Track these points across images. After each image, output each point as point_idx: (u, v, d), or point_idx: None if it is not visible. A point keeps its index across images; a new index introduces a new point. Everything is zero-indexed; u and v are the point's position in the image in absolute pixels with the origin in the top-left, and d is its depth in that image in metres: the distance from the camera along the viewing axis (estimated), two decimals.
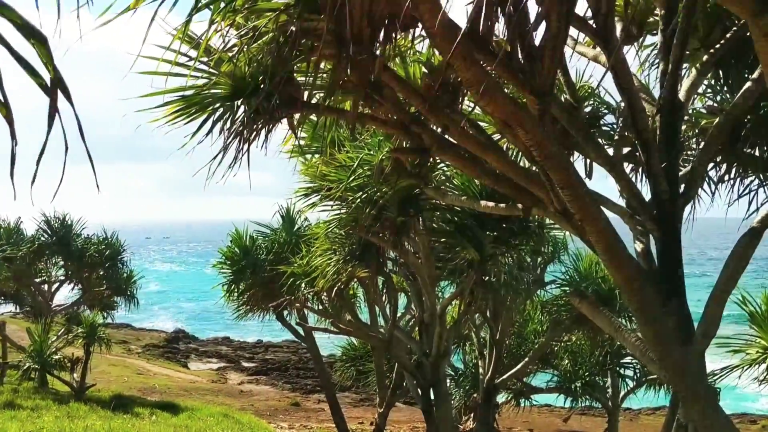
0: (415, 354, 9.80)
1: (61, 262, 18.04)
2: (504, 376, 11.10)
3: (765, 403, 20.83)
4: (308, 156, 7.87)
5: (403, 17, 3.09)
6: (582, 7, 4.62)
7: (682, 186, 4.69)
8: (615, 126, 6.41)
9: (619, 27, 5.69)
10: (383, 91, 4.16)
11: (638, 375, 12.03)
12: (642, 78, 6.16)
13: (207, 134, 4.14)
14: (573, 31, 5.45)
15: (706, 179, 6.35)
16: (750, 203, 6.06)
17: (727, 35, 5.01)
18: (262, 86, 4.05)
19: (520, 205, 4.92)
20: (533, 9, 3.34)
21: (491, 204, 5.36)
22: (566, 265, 10.53)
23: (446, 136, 4.43)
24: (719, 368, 7.71)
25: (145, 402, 15.51)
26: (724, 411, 3.77)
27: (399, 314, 11.18)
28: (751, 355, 6.81)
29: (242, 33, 3.83)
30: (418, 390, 9.69)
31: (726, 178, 6.16)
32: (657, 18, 5.10)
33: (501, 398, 14.16)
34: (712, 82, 5.91)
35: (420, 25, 3.25)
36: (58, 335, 15.32)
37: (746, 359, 6.88)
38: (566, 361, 12.20)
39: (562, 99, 5.38)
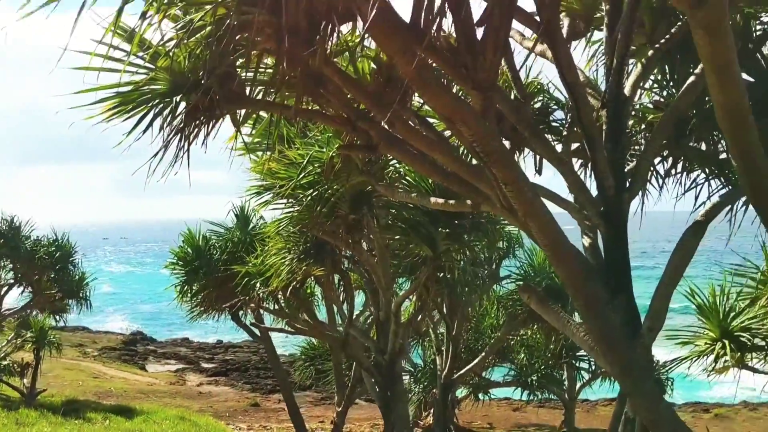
0: (373, 352, 9.75)
1: (10, 265, 17.52)
2: (461, 371, 11.13)
3: (718, 392, 21.33)
4: (259, 153, 7.75)
5: (340, 9, 3.01)
6: (528, 2, 4.62)
7: (629, 181, 4.72)
8: (564, 122, 6.43)
9: (566, 22, 5.72)
10: (328, 87, 4.08)
11: (593, 367, 12.18)
12: (590, 73, 6.20)
13: (144, 131, 4.00)
14: (521, 27, 5.46)
15: (654, 173, 6.42)
16: (696, 197, 6.13)
17: (672, 30, 5.05)
18: (202, 81, 3.93)
19: (469, 202, 4.89)
20: (475, 1, 3.31)
21: (441, 201, 5.32)
22: (521, 260, 10.59)
23: (395, 133, 4.38)
24: (670, 359, 7.83)
25: (100, 406, 15.15)
26: (670, 404, 3.80)
27: (357, 312, 11.12)
28: (699, 346, 6.90)
29: (179, 26, 3.71)
30: (376, 388, 9.64)
31: (673, 172, 6.23)
32: (603, 14, 5.13)
33: (460, 393, 14.24)
34: (659, 77, 5.96)
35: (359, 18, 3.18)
36: (9, 340, 14.88)
37: (695, 351, 6.97)
38: (522, 355, 12.31)
39: (512, 96, 5.37)
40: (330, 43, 3.66)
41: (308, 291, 11.22)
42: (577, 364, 12.32)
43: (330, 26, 3.17)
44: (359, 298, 11.47)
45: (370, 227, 7.72)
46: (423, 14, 3.08)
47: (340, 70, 3.85)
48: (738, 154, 2.92)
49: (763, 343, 6.97)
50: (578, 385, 13.09)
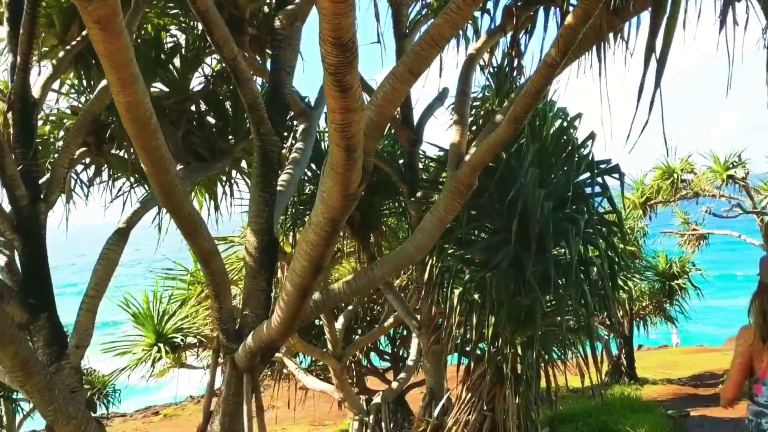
0: None
1: None
2: None
3: (168, 392, 22.17)
4: None
5: None
6: None
7: (46, 190, 4.36)
8: None
9: None
10: None
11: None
12: None
13: None
14: None
15: (79, 182, 6.18)
16: (124, 204, 6.09)
17: (84, 32, 4.87)
18: None
19: None
20: None
21: None
22: None
23: None
24: (110, 372, 7.74)
25: None
26: (101, 423, 3.62)
27: None
28: (137, 354, 6.97)
29: None
30: None
31: (98, 180, 6.09)
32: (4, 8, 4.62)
33: None
34: (76, 81, 5.73)
35: None
36: None
37: (134, 359, 7.02)
38: None
39: None
40: None
41: None
42: (14, 396, 11.13)
43: None
44: None
45: None
46: None
47: None
48: (145, 157, 2.89)
49: (195, 340, 7.47)
50: (19, 418, 11.90)
